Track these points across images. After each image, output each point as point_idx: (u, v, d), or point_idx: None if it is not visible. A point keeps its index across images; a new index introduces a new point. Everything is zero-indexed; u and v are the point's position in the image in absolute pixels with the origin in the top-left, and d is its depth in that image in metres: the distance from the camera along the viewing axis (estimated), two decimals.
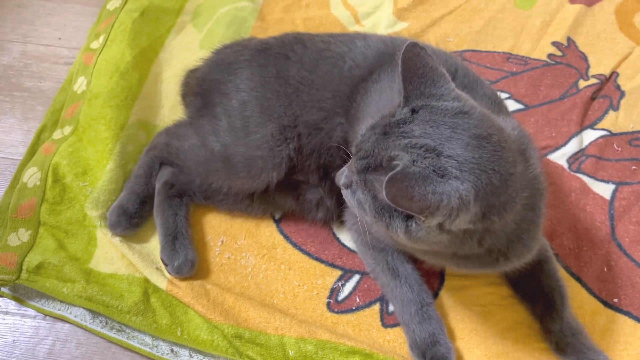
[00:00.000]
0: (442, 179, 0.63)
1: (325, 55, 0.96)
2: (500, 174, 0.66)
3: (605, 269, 0.96)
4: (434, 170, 0.63)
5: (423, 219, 0.64)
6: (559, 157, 1.09)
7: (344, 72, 0.94)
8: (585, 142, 1.11)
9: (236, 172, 0.96)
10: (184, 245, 0.96)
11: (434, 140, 0.65)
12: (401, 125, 0.67)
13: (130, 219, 0.98)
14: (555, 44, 1.26)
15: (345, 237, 1.01)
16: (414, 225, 0.67)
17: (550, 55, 1.25)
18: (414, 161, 0.64)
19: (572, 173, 1.08)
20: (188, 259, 0.94)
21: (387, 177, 0.61)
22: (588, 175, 1.07)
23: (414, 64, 0.69)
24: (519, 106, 1.17)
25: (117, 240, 0.98)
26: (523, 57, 1.25)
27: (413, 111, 0.68)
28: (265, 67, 0.97)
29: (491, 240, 0.73)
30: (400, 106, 0.70)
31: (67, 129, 1.10)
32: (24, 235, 0.98)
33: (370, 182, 0.69)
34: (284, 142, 0.95)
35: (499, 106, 0.89)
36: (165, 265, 0.95)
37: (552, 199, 1.04)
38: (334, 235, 1.02)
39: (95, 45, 1.23)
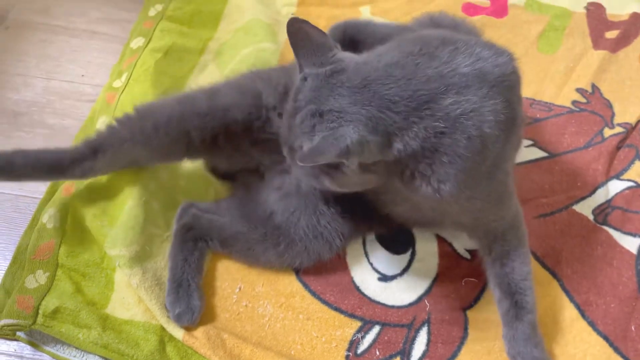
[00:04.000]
0: (333, 131, 0.72)
1: None
2: (379, 106, 0.73)
3: (633, 328, 0.93)
4: (324, 131, 0.73)
5: (347, 164, 0.74)
6: (585, 208, 1.07)
7: None
8: (612, 193, 1.09)
9: None
10: (188, 293, 0.94)
11: (316, 104, 0.75)
12: (297, 97, 0.78)
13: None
14: (579, 90, 1.25)
15: (366, 286, 0.99)
16: (335, 174, 0.77)
17: (574, 102, 1.23)
18: (312, 137, 0.74)
19: (598, 225, 1.05)
20: (190, 308, 0.92)
21: (298, 159, 0.73)
22: (614, 228, 1.05)
23: (297, 37, 0.79)
24: (543, 154, 1.15)
25: (135, 282, 0.96)
26: (547, 103, 1.24)
27: (305, 79, 0.78)
28: None
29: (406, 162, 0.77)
30: (299, 72, 0.80)
31: None
32: (41, 277, 0.97)
33: (295, 160, 0.78)
34: None
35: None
36: (167, 311, 0.94)
37: (578, 252, 1.02)
38: (354, 283, 1.00)
39: (117, 84, 1.23)
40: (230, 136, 0.96)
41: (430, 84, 0.74)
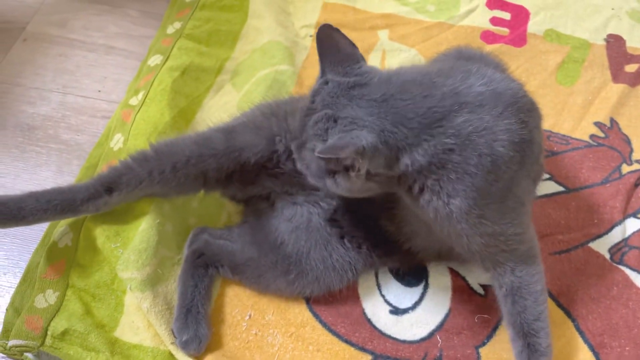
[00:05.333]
0: (345, 134, 0.74)
1: None
2: (393, 121, 0.74)
3: None
4: (337, 134, 0.75)
5: (358, 169, 0.75)
6: (601, 246, 1.06)
7: None
8: (628, 232, 1.08)
9: None
10: (197, 320, 0.93)
11: (332, 109, 0.77)
12: (314, 99, 0.80)
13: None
14: (597, 124, 1.24)
15: (378, 319, 0.98)
16: (340, 178, 0.78)
17: (592, 136, 1.22)
18: (325, 140, 0.76)
19: (614, 264, 1.04)
20: (197, 336, 0.91)
21: (317, 154, 0.74)
22: (631, 268, 1.03)
23: (326, 43, 0.81)
24: (559, 188, 1.14)
25: (145, 306, 0.95)
26: (564, 136, 1.23)
27: (325, 83, 0.80)
28: None
29: (411, 179, 0.78)
30: (319, 77, 0.82)
31: None
32: (51, 297, 0.97)
33: (303, 157, 0.82)
34: None
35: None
36: (174, 337, 0.93)
37: (594, 291, 1.01)
38: (365, 315, 0.99)
39: (134, 101, 1.23)
40: (245, 173, 0.97)
41: (444, 101, 0.76)
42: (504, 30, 1.43)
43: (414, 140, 0.75)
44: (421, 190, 0.78)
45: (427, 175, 0.76)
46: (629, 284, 1.01)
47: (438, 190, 0.77)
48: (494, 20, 1.45)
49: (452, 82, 0.78)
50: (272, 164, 0.96)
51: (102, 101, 1.30)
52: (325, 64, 0.81)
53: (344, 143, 0.73)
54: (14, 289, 0.99)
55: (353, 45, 0.82)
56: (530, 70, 1.35)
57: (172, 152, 0.95)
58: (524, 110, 0.80)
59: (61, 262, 1.00)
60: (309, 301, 1.00)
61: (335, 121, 0.76)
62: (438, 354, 0.94)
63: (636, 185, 1.14)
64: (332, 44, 0.81)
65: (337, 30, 0.81)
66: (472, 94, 0.77)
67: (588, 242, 1.07)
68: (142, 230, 1.01)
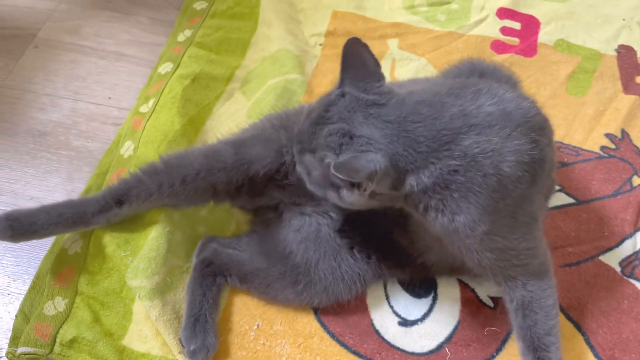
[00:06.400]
0: (360, 155, 0.74)
1: None
2: (405, 144, 0.75)
3: None
4: (352, 152, 0.75)
5: (364, 189, 0.75)
6: (612, 259, 1.05)
7: None
8: (639, 245, 1.07)
9: None
10: (205, 330, 0.93)
11: (348, 124, 0.77)
12: (329, 109, 0.79)
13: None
14: (608, 135, 1.23)
15: (386, 330, 0.98)
16: (344, 192, 0.78)
17: (603, 148, 1.21)
18: (338, 154, 0.76)
19: (624, 278, 1.03)
20: (205, 345, 0.92)
21: (332, 168, 0.73)
22: None
23: (352, 57, 0.80)
24: (570, 200, 1.13)
25: (154, 315, 0.95)
26: (575, 147, 1.22)
27: (342, 95, 0.79)
28: None
29: (416, 199, 0.78)
30: (336, 87, 0.82)
31: None
32: (60, 304, 0.97)
33: (304, 162, 0.82)
34: None
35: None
36: (182, 346, 0.93)
37: (604, 305, 1.00)
38: (374, 326, 0.98)
39: (144, 109, 1.23)
40: (254, 185, 0.97)
41: (453, 122, 0.76)
42: (515, 40, 1.43)
43: (422, 163, 0.75)
44: (425, 209, 0.79)
45: (431, 196, 0.77)
46: None
47: (442, 209, 0.77)
48: (504, 30, 1.45)
49: (461, 102, 0.78)
50: (280, 176, 0.97)
51: (113, 108, 1.31)
52: (346, 77, 0.81)
53: (360, 166, 0.72)
54: (23, 296, 0.99)
55: (377, 63, 0.81)
56: (540, 80, 1.35)
57: (182, 165, 0.96)
58: (535, 129, 0.79)
59: (70, 270, 1.00)
60: (317, 311, 1.00)
61: (351, 138, 0.76)
62: None
63: None
64: (358, 59, 0.80)
65: (366, 45, 0.80)
66: (482, 115, 0.77)
67: (598, 254, 1.06)
68: (152, 238, 1.01)
